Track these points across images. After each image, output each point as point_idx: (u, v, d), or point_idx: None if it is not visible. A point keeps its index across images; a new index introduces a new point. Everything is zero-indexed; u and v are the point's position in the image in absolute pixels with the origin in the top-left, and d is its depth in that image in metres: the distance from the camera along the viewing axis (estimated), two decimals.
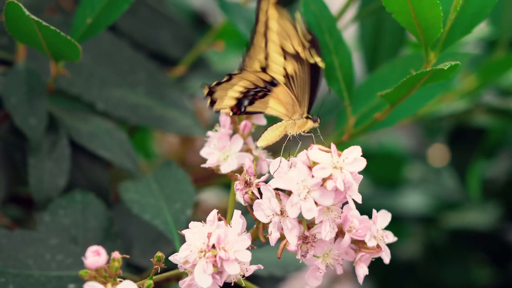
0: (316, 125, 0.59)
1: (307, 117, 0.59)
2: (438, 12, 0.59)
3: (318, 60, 0.57)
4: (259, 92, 0.59)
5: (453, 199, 1.27)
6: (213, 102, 0.60)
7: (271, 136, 0.59)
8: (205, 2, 1.25)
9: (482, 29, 0.98)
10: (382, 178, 1.25)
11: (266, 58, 0.57)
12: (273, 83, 0.58)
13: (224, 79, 0.59)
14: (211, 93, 0.59)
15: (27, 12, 0.63)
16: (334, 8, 0.69)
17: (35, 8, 0.77)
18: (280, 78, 0.58)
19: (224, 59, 1.27)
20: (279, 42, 0.56)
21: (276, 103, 0.59)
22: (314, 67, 0.57)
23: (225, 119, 0.61)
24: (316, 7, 0.67)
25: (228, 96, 0.59)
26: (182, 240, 0.55)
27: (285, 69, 0.58)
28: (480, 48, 1.06)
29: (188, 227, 0.55)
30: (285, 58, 0.57)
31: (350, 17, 0.87)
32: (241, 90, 0.59)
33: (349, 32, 0.92)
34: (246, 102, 0.59)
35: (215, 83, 0.59)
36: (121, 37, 0.86)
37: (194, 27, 1.06)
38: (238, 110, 0.60)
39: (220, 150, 0.60)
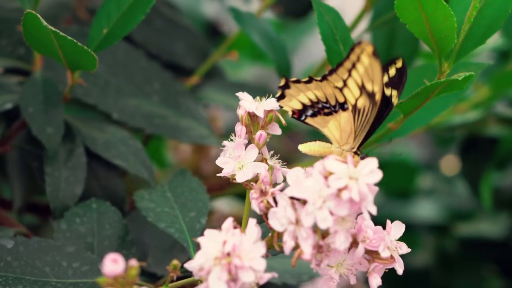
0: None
1: (355, 152, 0.60)
2: (452, 23, 0.59)
3: (394, 94, 0.59)
4: (326, 108, 0.59)
5: (465, 209, 1.27)
6: (282, 96, 0.60)
7: (314, 149, 0.60)
8: (218, 11, 1.26)
9: (495, 40, 0.98)
10: (395, 187, 1.25)
11: (344, 86, 0.58)
12: (343, 106, 0.59)
13: (304, 79, 0.59)
14: (286, 86, 0.60)
15: (44, 23, 0.64)
16: (347, 19, 0.69)
17: (52, 19, 0.78)
18: (349, 106, 0.59)
19: (238, 69, 1.27)
20: (361, 80, 0.57)
21: (335, 127, 0.60)
22: (385, 103, 0.59)
23: (240, 129, 0.61)
24: (330, 18, 0.67)
25: (298, 99, 0.60)
26: (197, 248, 0.55)
27: (356, 101, 0.58)
28: (492, 59, 1.06)
29: (203, 235, 0.55)
30: (361, 92, 0.58)
31: (363, 27, 0.87)
32: (312, 98, 0.60)
33: None
34: (309, 112, 0.60)
35: (294, 79, 0.60)
36: (136, 47, 0.87)
37: (207, 37, 1.07)
38: (299, 117, 0.60)
39: (236, 160, 0.60)
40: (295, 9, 1.00)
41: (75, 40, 0.65)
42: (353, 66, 0.57)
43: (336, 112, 0.59)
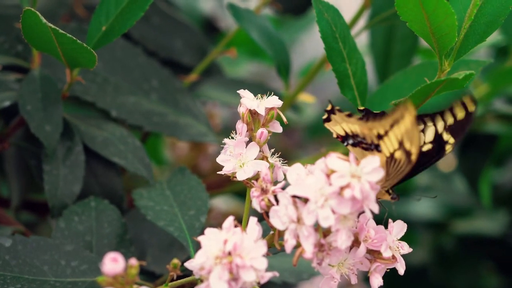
0: (392, 201, 0.59)
1: (387, 191, 0.59)
2: (453, 21, 0.59)
3: (450, 142, 0.58)
4: (364, 144, 0.58)
5: (463, 206, 1.27)
6: (328, 119, 0.59)
7: None
8: (215, 7, 1.25)
9: (493, 36, 0.98)
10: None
11: (384, 135, 0.57)
12: (378, 148, 0.57)
13: (345, 113, 0.58)
14: (332, 112, 0.59)
15: (44, 20, 0.63)
16: (346, 16, 0.69)
17: (50, 16, 0.77)
18: (386, 153, 0.57)
19: (235, 66, 1.27)
20: (401, 137, 0.56)
21: None
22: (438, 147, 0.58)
23: (241, 127, 0.61)
24: (329, 15, 0.67)
25: (341, 126, 0.59)
26: (197, 247, 0.55)
27: (394, 152, 0.57)
28: (490, 55, 1.06)
29: (202, 234, 0.55)
30: (399, 147, 0.56)
31: (362, 25, 0.87)
32: (354, 131, 0.58)
33: (360, 40, 0.93)
34: (350, 141, 0.59)
35: (338, 108, 0.59)
36: (134, 44, 0.86)
37: (205, 33, 1.06)
38: (342, 141, 0.60)
39: (236, 158, 0.60)
40: (294, 6, 1.00)
41: (74, 38, 0.65)
42: (396, 122, 0.56)
43: (372, 150, 0.58)
